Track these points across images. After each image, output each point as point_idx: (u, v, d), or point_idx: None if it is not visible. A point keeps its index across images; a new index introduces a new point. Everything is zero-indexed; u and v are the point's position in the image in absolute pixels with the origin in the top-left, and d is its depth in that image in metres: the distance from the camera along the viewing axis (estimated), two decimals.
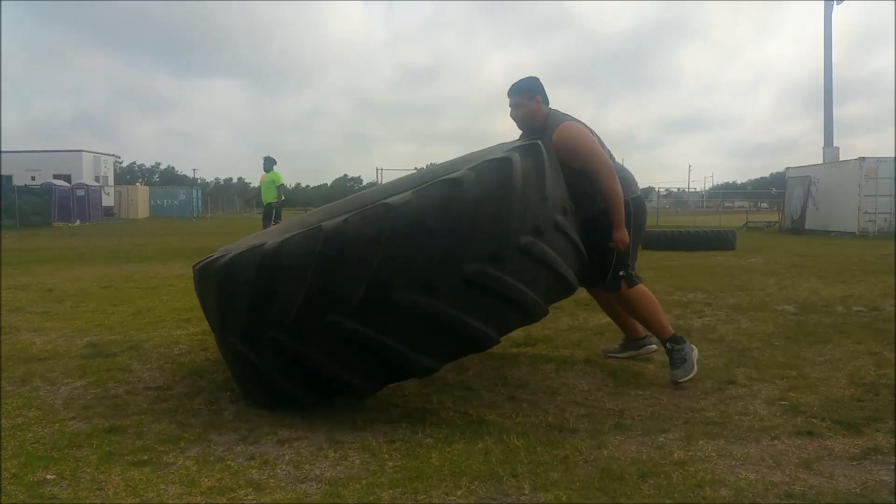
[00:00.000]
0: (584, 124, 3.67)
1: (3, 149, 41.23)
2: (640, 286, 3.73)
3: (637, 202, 3.75)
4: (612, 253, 3.59)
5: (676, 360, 3.59)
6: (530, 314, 3.02)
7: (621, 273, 3.64)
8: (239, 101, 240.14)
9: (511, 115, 3.73)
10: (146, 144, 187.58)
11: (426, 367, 2.86)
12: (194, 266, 3.41)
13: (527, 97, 3.66)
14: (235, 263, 2.95)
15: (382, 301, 2.67)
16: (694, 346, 3.71)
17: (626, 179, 3.70)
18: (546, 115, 3.67)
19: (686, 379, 3.52)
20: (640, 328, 4.05)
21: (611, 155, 3.72)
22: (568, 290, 3.25)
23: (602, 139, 3.75)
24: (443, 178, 2.83)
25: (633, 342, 4.14)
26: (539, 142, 3.19)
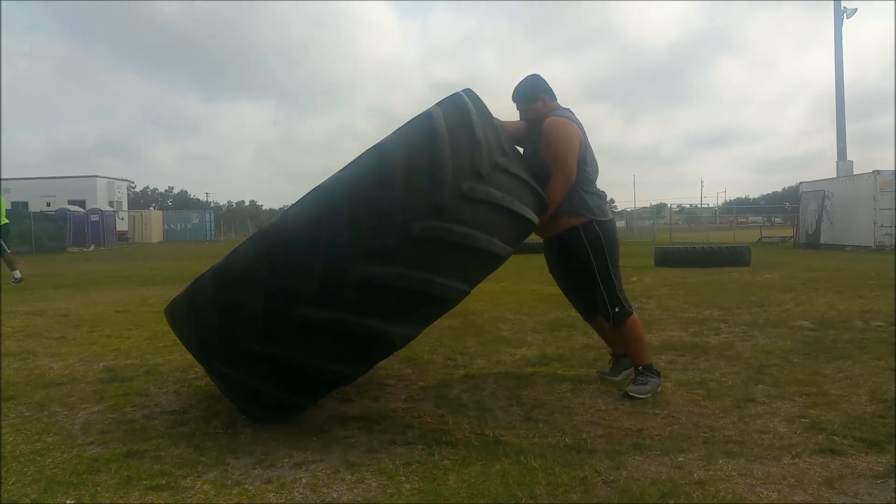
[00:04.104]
0: (579, 129, 3.63)
1: (22, 175, 41.89)
2: (633, 317, 3.76)
3: (605, 225, 3.70)
4: (598, 280, 3.65)
5: (640, 381, 3.66)
6: (493, 257, 3.03)
7: (617, 310, 3.68)
8: (266, 123, 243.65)
9: (521, 117, 3.75)
10: (169, 167, 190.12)
11: (404, 336, 2.87)
12: (165, 309, 3.33)
13: (530, 103, 3.68)
14: (195, 289, 2.98)
15: (340, 282, 2.66)
16: (661, 382, 3.74)
17: (599, 203, 3.72)
18: (553, 109, 3.67)
19: (638, 396, 3.57)
20: None
21: (595, 167, 3.74)
22: (528, 226, 3.26)
23: (592, 148, 3.75)
24: (369, 148, 2.84)
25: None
26: (461, 92, 3.15)
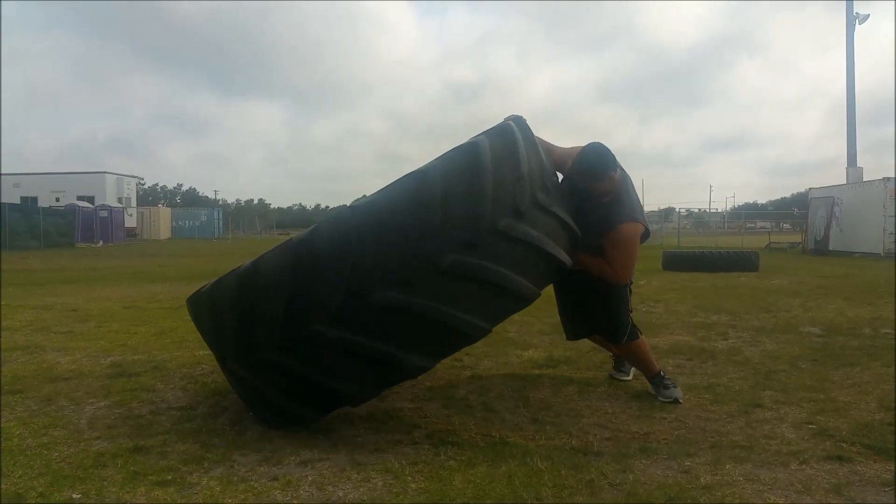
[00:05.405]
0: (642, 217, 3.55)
1: (33, 171, 42.26)
2: (641, 338, 3.78)
3: None
4: (620, 307, 3.64)
5: (664, 385, 3.65)
6: (520, 298, 2.93)
7: (630, 328, 3.69)
8: (277, 122, 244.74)
9: (581, 189, 3.36)
10: (179, 165, 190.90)
11: (418, 367, 2.82)
12: (187, 299, 3.40)
13: (596, 183, 3.34)
14: (218, 288, 2.98)
15: (361, 304, 2.62)
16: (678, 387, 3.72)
17: None
18: (618, 187, 3.44)
19: (667, 400, 3.58)
20: None
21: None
22: (560, 270, 3.13)
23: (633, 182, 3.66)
24: (410, 172, 2.79)
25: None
26: (511, 122, 3.07)
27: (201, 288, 3.20)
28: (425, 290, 2.65)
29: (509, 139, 2.92)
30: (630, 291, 3.75)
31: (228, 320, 2.90)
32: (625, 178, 3.52)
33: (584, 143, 3.44)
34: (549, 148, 3.50)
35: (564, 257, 3.07)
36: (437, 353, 2.91)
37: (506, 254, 2.76)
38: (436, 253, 2.63)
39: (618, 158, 3.50)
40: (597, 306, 3.73)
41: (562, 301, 4.02)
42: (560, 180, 3.44)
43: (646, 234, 3.59)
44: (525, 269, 2.86)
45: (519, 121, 3.13)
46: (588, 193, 3.38)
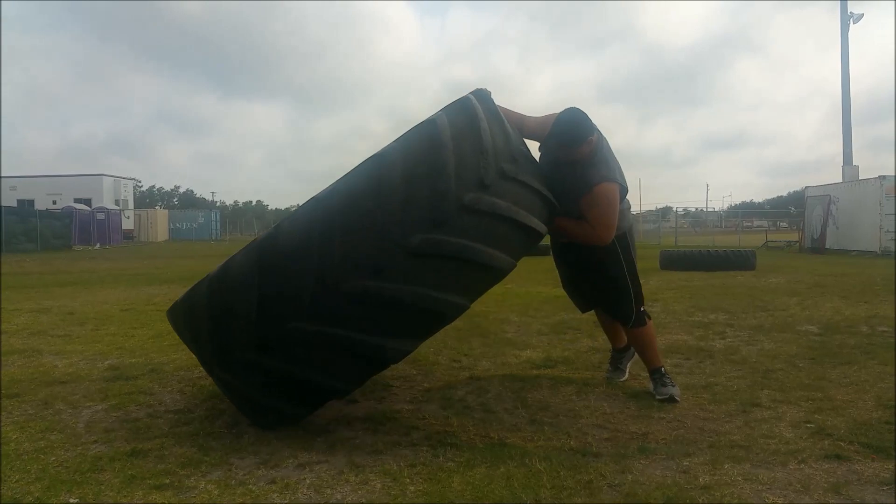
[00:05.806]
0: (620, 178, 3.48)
1: (30, 173, 42.20)
2: (650, 324, 3.82)
3: (629, 234, 3.76)
4: (628, 286, 3.66)
5: (663, 382, 3.66)
6: (496, 271, 2.91)
7: (642, 308, 3.71)
8: (278, 122, 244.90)
9: (560, 156, 3.41)
10: (178, 166, 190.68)
11: (397, 351, 2.80)
12: (167, 312, 3.38)
13: (576, 147, 3.33)
14: (192, 296, 2.98)
15: (333, 295, 2.61)
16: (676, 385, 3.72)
17: (624, 214, 3.68)
18: (596, 152, 3.40)
19: (663, 398, 3.58)
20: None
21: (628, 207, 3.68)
22: (534, 238, 3.10)
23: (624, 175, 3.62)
24: (369, 157, 2.77)
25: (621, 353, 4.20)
26: (471, 96, 3.00)
27: (177, 300, 3.19)
28: (397, 274, 2.63)
29: (469, 113, 2.89)
30: (634, 258, 3.76)
31: (205, 327, 2.90)
32: (601, 140, 3.49)
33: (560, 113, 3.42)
34: (521, 119, 3.49)
35: (538, 225, 3.04)
36: (416, 336, 2.89)
37: (475, 228, 2.74)
38: (403, 235, 2.61)
39: (617, 158, 3.51)
40: (598, 289, 3.81)
41: (563, 276, 4.07)
42: (539, 147, 3.50)
43: (623, 192, 3.56)
44: (497, 240, 2.83)
45: (480, 94, 3.09)
46: (567, 159, 3.39)
